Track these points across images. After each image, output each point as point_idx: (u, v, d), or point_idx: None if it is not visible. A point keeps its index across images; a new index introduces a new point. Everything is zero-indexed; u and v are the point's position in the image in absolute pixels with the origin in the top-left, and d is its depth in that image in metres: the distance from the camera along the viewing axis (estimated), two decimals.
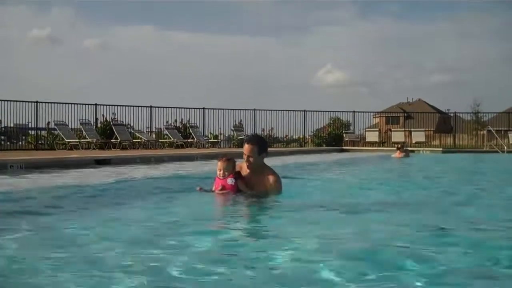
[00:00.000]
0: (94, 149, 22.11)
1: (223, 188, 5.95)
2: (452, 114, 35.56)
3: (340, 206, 5.82)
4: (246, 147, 5.99)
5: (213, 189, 6.10)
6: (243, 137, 27.72)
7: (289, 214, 5.20)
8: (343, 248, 3.59)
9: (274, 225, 4.69)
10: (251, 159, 5.97)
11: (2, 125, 22.79)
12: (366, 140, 31.32)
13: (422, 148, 28.96)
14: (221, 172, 6.01)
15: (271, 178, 6.02)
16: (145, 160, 15.03)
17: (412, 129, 33.38)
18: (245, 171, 6.09)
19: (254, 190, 5.95)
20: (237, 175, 6.04)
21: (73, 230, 4.21)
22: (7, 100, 23.02)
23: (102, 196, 6.95)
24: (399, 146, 21.52)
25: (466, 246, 3.71)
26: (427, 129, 34.35)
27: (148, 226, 4.37)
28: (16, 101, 23.36)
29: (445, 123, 44.32)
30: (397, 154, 20.56)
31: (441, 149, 30.12)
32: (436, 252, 3.49)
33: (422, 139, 31.30)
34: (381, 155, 21.86)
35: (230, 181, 5.96)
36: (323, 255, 3.39)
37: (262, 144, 6.13)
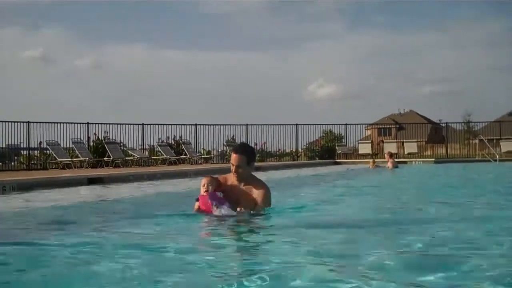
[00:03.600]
0: (86, 167, 22.07)
1: (213, 200, 5.52)
2: (443, 125, 35.74)
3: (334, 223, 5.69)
4: (234, 157, 5.63)
5: (200, 207, 5.68)
6: None
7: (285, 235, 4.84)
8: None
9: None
10: (240, 170, 5.62)
11: None
12: (359, 152, 31.39)
13: (415, 159, 29.06)
14: (206, 187, 5.65)
15: (260, 190, 5.67)
16: (138, 178, 15.01)
17: (404, 140, 33.49)
18: (231, 183, 5.75)
19: (242, 203, 5.56)
20: (222, 190, 5.69)
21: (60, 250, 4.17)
22: None
23: (94, 215, 6.92)
24: (389, 153, 21.66)
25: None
26: (419, 139, 34.48)
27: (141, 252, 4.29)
28: (8, 121, 23.36)
29: (437, 134, 44.53)
30: (390, 163, 20.63)
31: (433, 159, 30.23)
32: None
33: (415, 150, 31.41)
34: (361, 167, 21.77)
35: (219, 194, 5.60)
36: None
37: (250, 153, 5.80)
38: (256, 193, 5.66)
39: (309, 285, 3.05)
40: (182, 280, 3.26)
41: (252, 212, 5.57)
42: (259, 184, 5.76)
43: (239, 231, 5.05)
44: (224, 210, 5.44)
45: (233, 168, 5.64)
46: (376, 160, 23.08)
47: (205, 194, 5.65)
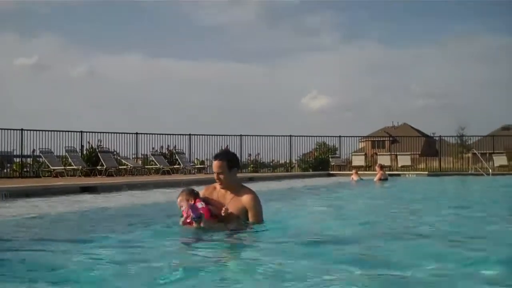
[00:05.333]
0: (80, 176, 21.99)
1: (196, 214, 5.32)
2: (437, 138, 35.84)
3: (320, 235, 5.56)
4: (215, 163, 5.53)
5: (184, 222, 5.49)
6: None
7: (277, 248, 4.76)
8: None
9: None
10: (221, 177, 5.50)
11: None
12: (353, 165, 31.41)
13: (408, 172, 29.11)
14: (184, 203, 5.44)
15: (249, 197, 5.53)
16: (131, 187, 14.97)
17: (398, 153, 33.55)
18: (217, 191, 5.61)
19: (230, 210, 5.41)
20: (205, 200, 5.49)
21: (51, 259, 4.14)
22: None
23: (82, 224, 6.89)
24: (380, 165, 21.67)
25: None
26: (412, 152, 34.56)
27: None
28: (1, 128, 23.30)
29: (430, 147, 44.61)
30: (378, 176, 20.53)
31: (426, 172, 30.29)
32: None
33: (408, 162, 31.47)
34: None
35: (200, 205, 5.35)
36: None
37: (231, 158, 5.67)
38: (244, 201, 5.53)
39: None
40: None
41: (241, 223, 5.43)
42: (246, 191, 5.61)
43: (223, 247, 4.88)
44: (204, 222, 5.30)
45: (215, 176, 5.55)
46: (359, 172, 23.01)
47: (184, 211, 5.45)
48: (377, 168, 21.75)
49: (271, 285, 3.42)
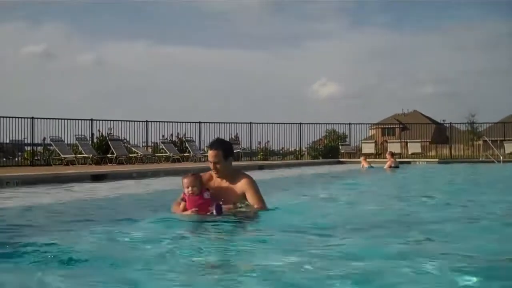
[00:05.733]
0: (90, 164, 22.09)
1: (201, 205, 5.38)
2: (447, 125, 35.65)
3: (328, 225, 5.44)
4: (210, 153, 5.52)
5: (187, 207, 5.47)
6: (239, 150, 27.77)
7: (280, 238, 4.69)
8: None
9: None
10: (218, 166, 5.50)
11: None
12: (362, 152, 31.34)
13: (418, 159, 29.01)
14: (192, 189, 5.41)
15: (245, 181, 5.54)
16: (142, 175, 15.02)
17: (408, 140, 33.42)
18: (213, 180, 5.62)
19: (227, 198, 5.42)
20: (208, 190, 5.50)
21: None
22: (3, 117, 23.08)
23: (98, 211, 6.92)
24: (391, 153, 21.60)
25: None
26: (423, 140, 34.42)
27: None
28: (12, 117, 23.40)
29: (440, 134, 44.41)
30: (388, 164, 20.51)
31: (437, 159, 30.17)
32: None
33: (418, 150, 31.35)
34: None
35: (206, 195, 5.41)
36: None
37: (226, 147, 5.63)
38: (240, 186, 5.53)
39: None
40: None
41: (240, 206, 5.43)
42: (241, 177, 5.61)
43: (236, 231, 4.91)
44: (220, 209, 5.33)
45: (211, 165, 5.55)
46: (369, 160, 22.86)
47: (191, 195, 5.43)
48: (387, 155, 21.68)
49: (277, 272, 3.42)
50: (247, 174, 5.72)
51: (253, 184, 5.57)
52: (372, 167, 21.05)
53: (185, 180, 5.47)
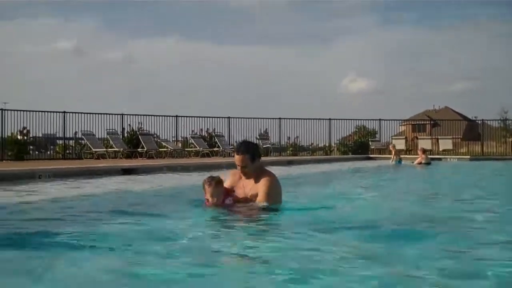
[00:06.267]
0: (121, 158, 22.30)
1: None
2: (479, 122, 35.17)
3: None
4: (237, 158, 5.59)
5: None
6: (269, 145, 27.77)
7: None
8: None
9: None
10: (245, 170, 5.59)
11: (31, 135, 23.12)
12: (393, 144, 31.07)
13: (450, 156, 28.68)
14: (212, 199, 5.48)
15: (264, 180, 5.55)
16: (172, 169, 15.12)
17: (439, 137, 33.04)
18: (242, 179, 5.70)
19: (252, 196, 5.53)
20: (228, 192, 5.61)
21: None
22: (36, 111, 23.40)
23: (129, 203, 6.98)
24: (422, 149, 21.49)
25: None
26: (454, 136, 33.99)
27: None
28: (44, 111, 23.73)
29: (472, 131, 43.83)
30: (418, 160, 20.48)
31: (468, 156, 29.77)
32: None
33: (450, 146, 30.98)
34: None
35: (228, 201, 5.53)
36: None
37: (253, 151, 5.65)
38: (261, 183, 5.56)
39: None
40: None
41: (261, 205, 5.46)
42: (265, 175, 5.63)
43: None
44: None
45: (238, 168, 5.63)
46: (400, 155, 22.89)
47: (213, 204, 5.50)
48: (419, 151, 21.59)
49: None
50: (270, 172, 5.73)
51: (268, 181, 5.55)
52: (400, 161, 21.10)
53: (206, 188, 5.53)
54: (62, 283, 3.08)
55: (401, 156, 23.26)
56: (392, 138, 32.76)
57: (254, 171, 5.62)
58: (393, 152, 22.36)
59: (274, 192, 5.59)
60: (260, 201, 5.51)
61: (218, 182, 5.55)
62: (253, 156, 5.57)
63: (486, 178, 14.28)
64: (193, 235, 4.41)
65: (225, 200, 5.53)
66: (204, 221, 5.25)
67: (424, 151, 21.49)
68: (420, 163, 20.21)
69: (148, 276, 3.21)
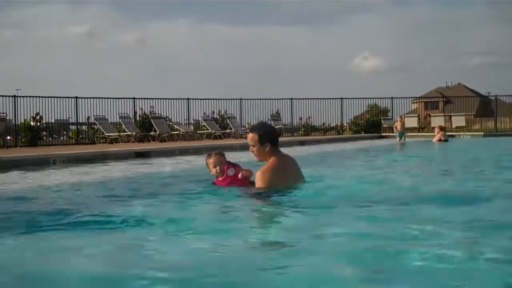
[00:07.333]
0: (133, 142, 22.40)
1: (230, 184, 5.59)
2: (492, 98, 34.90)
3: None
4: (248, 136, 5.64)
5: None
6: (281, 126, 27.74)
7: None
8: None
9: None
10: (254, 149, 5.55)
11: (44, 121, 23.25)
12: (405, 126, 30.94)
13: (463, 133, 28.54)
14: (216, 169, 5.66)
15: (258, 172, 5.43)
16: (184, 152, 15.17)
17: (452, 114, 32.85)
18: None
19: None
20: (232, 165, 5.74)
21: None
22: (48, 97, 23.52)
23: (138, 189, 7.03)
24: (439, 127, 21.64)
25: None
26: (467, 113, 33.77)
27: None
28: (57, 97, 23.84)
29: (485, 107, 43.56)
30: (437, 137, 20.61)
31: (482, 133, 29.61)
32: None
33: (463, 123, 30.83)
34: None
35: (230, 172, 5.64)
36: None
37: (264, 132, 5.56)
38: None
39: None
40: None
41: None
42: (270, 159, 5.52)
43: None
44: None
45: (251, 149, 5.63)
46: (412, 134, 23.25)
47: (220, 176, 5.68)
48: (437, 128, 21.75)
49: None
50: (270, 165, 5.50)
51: (262, 171, 5.41)
52: (403, 134, 21.57)
53: (209, 162, 5.74)
54: (82, 262, 3.13)
55: (412, 134, 23.41)
56: (404, 116, 32.56)
57: (264, 155, 5.53)
58: (398, 128, 22.67)
59: (266, 176, 5.38)
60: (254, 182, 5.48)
61: (218, 153, 5.81)
62: (262, 137, 5.49)
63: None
64: (206, 216, 4.48)
65: (227, 171, 5.64)
66: (214, 201, 5.31)
67: (442, 128, 21.66)
68: (440, 140, 20.43)
69: (160, 255, 3.26)
